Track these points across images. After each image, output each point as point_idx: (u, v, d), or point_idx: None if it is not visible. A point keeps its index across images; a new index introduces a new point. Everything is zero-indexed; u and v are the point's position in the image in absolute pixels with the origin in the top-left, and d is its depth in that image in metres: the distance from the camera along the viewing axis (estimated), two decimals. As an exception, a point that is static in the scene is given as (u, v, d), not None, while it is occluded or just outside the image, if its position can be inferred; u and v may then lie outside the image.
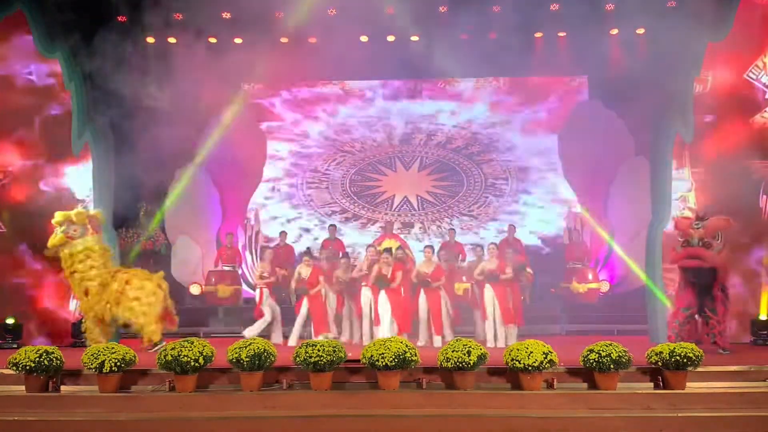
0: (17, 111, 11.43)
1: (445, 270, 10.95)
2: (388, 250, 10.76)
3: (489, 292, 10.60)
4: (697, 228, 9.66)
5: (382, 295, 10.46)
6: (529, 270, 11.05)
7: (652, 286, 10.73)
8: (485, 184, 15.36)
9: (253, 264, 14.37)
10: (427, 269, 10.80)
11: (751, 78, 11.21)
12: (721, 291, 9.65)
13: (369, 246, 11.49)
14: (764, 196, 11.19)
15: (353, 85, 15.65)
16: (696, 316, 9.66)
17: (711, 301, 9.62)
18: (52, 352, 7.70)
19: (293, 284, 11.16)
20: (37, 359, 7.58)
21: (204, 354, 7.47)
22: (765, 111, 11.26)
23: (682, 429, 6.88)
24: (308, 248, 12.35)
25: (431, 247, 11.25)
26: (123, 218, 12.84)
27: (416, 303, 10.75)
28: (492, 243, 11.21)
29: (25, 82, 11.52)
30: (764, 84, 11.26)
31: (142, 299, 9.65)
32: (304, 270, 10.98)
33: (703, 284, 9.62)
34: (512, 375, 7.61)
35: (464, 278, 11.40)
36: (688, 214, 10.76)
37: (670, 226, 10.75)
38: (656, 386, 7.62)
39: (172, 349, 7.47)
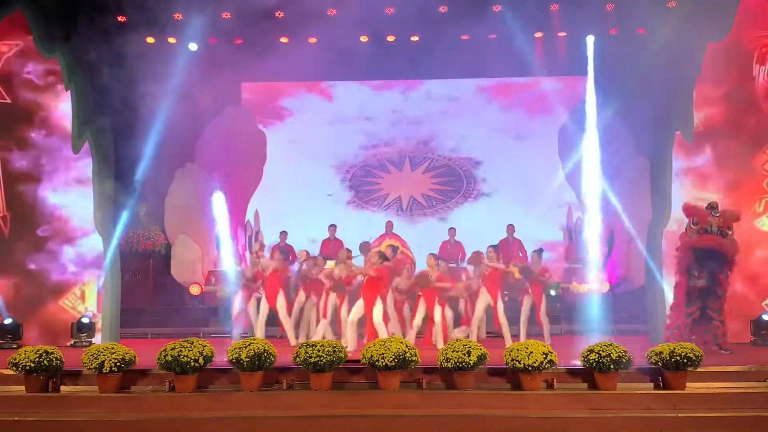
0: (17, 111, 11.41)
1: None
2: (381, 253, 10.41)
3: (484, 295, 10.55)
4: (716, 216, 9.50)
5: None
6: (561, 283, 11.12)
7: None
8: (484, 184, 15.34)
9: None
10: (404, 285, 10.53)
11: None
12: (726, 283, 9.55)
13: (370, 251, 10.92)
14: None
15: (353, 85, 15.62)
16: (699, 318, 9.56)
17: (715, 301, 9.55)
18: (52, 352, 7.69)
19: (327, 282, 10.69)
20: (37, 359, 7.58)
21: (204, 354, 7.47)
22: None
23: (682, 429, 6.88)
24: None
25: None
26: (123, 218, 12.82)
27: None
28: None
29: (24, 82, 11.50)
30: None
31: None
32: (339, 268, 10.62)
33: (709, 282, 9.50)
34: (512, 375, 7.61)
35: (464, 277, 11.37)
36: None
37: (670, 226, 10.76)
38: (656, 386, 7.62)
39: (172, 349, 7.47)
